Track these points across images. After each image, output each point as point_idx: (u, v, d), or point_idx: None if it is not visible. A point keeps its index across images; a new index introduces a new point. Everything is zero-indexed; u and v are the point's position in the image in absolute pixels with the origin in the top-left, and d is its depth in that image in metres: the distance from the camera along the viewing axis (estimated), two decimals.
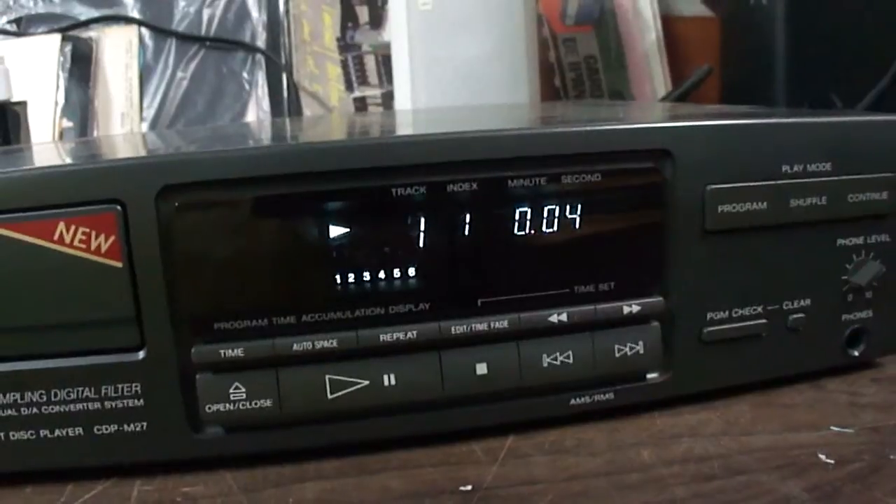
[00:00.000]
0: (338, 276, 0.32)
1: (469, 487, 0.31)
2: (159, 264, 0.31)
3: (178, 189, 0.31)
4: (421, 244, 0.32)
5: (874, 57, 0.66)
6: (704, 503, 0.29)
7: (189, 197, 0.31)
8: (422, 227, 0.32)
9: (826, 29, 0.70)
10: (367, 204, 0.32)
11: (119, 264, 0.31)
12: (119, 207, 0.30)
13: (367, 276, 0.32)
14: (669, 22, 0.87)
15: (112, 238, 0.30)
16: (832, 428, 0.34)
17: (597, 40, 0.86)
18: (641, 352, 0.35)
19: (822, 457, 0.32)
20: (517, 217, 0.33)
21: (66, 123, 0.82)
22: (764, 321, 0.37)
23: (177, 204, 0.31)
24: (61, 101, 0.81)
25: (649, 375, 0.36)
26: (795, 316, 0.37)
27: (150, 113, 0.82)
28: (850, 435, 0.34)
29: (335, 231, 0.32)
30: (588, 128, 0.34)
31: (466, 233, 0.33)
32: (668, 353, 0.36)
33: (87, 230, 0.30)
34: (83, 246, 0.30)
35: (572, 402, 0.35)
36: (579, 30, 0.86)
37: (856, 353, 0.39)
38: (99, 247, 0.30)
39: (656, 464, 0.32)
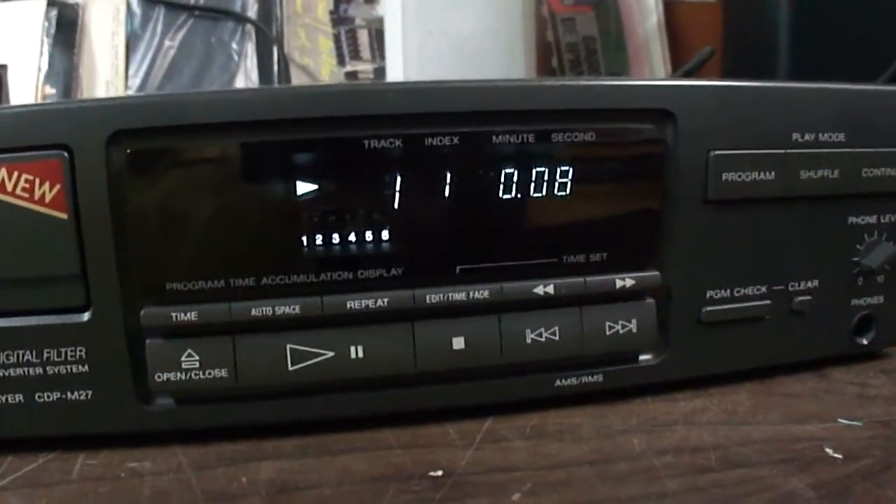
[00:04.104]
0: (302, 236, 0.30)
1: (440, 473, 0.28)
2: (108, 217, 0.29)
3: (130, 135, 0.28)
4: (395, 203, 0.30)
5: (880, 43, 0.64)
6: (699, 498, 0.27)
7: (142, 143, 0.28)
8: (397, 185, 0.30)
9: (831, 15, 0.68)
10: (337, 156, 0.30)
11: (64, 216, 0.28)
12: (66, 154, 0.28)
13: (334, 236, 0.30)
14: (671, 6, 0.85)
15: (57, 187, 0.28)
16: (839, 420, 0.32)
17: (597, 21, 0.83)
18: (634, 330, 0.33)
19: (829, 451, 0.29)
20: (502, 177, 0.30)
21: (49, 90, 0.80)
22: (767, 302, 0.35)
23: (128, 151, 0.28)
24: (45, 67, 0.79)
25: (642, 357, 0.34)
26: (801, 298, 0.35)
27: (135, 81, 0.80)
28: (859, 428, 0.31)
29: (301, 185, 0.29)
30: (582, 82, 0.31)
31: (446, 192, 0.30)
32: (663, 333, 0.34)
33: (31, 177, 0.28)
34: (26, 195, 0.28)
35: (557, 383, 0.33)
36: (579, 10, 0.83)
37: (864, 342, 0.37)
38: (43, 196, 0.28)
39: (647, 453, 0.30)
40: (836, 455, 0.29)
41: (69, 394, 0.30)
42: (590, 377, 0.33)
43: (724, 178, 0.32)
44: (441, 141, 0.30)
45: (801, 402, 0.34)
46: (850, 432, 0.31)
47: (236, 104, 0.29)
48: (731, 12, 0.82)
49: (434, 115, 0.30)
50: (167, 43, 0.82)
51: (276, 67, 0.81)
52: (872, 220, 0.36)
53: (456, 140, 0.30)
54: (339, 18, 0.83)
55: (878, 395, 0.35)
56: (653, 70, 0.83)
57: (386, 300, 0.30)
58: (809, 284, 0.35)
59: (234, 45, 0.82)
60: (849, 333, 0.37)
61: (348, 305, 0.30)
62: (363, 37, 0.83)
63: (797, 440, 0.30)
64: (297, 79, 0.81)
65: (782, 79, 0.69)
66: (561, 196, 0.31)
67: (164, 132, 0.28)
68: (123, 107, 0.29)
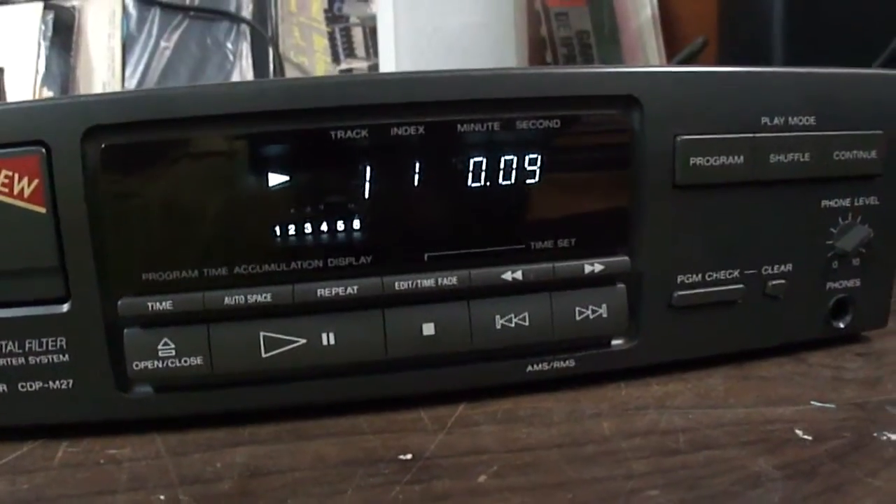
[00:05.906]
0: (273, 226, 0.30)
1: (409, 456, 0.29)
2: (85, 210, 0.29)
3: (105, 130, 0.29)
4: (364, 193, 0.30)
5: (874, 31, 0.63)
6: (663, 479, 0.27)
7: (116, 138, 0.29)
8: (365, 174, 0.30)
9: (825, 3, 0.67)
10: (306, 148, 0.30)
11: (42, 210, 0.29)
12: (43, 150, 0.29)
13: (305, 226, 0.30)
14: None
15: (35, 182, 0.29)
16: (812, 403, 0.32)
17: (590, 15, 0.83)
18: (605, 316, 0.33)
19: (799, 433, 0.29)
20: (469, 165, 0.31)
21: (47, 93, 0.80)
22: (740, 286, 0.35)
23: (103, 146, 0.29)
24: (42, 69, 0.80)
25: (614, 342, 0.34)
26: (775, 282, 0.35)
27: (132, 83, 0.80)
28: (832, 411, 0.31)
29: (271, 177, 0.30)
30: (546, 70, 0.31)
31: (414, 181, 0.30)
32: (634, 319, 0.34)
33: (10, 173, 0.29)
34: (5, 190, 0.29)
35: (529, 368, 0.33)
36: (572, 4, 0.83)
37: (840, 325, 0.37)
38: (22, 191, 0.29)
39: (615, 436, 0.30)
40: (805, 437, 0.29)
41: (51, 383, 0.30)
42: (562, 363, 0.33)
43: (691, 162, 0.32)
44: (407, 131, 0.30)
45: (775, 385, 0.34)
46: (822, 414, 0.31)
47: (207, 99, 0.29)
48: (726, 3, 0.81)
49: (399, 106, 0.30)
50: (163, 44, 0.82)
51: (271, 67, 0.81)
52: (846, 202, 0.35)
53: (422, 129, 0.30)
54: (333, 17, 0.83)
55: (854, 379, 0.34)
56: (647, 62, 0.83)
57: (356, 287, 0.30)
58: (783, 268, 0.35)
59: (230, 45, 0.82)
60: (825, 317, 0.37)
61: (319, 293, 0.30)
62: (358, 34, 0.83)
63: (768, 422, 0.30)
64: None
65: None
66: (528, 183, 0.31)
67: (137, 127, 0.29)
68: (98, 103, 0.29)
